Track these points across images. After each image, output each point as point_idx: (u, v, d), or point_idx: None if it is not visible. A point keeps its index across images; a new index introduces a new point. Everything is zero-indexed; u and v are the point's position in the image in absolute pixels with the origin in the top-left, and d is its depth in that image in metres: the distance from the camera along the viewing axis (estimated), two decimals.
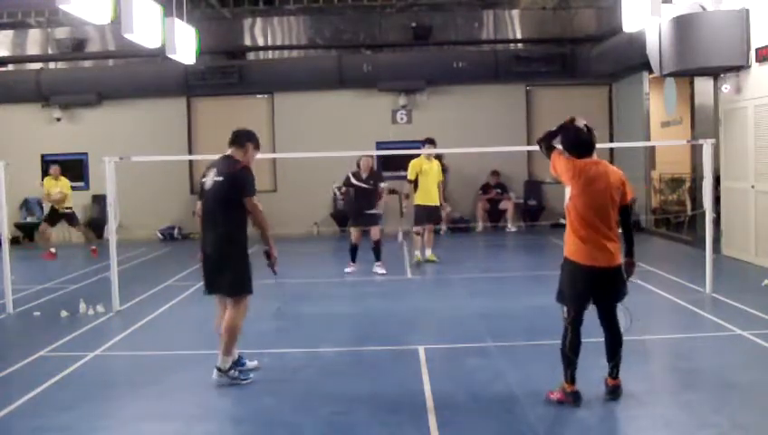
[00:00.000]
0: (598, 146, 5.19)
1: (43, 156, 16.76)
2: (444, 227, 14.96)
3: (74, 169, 16.86)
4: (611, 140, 15.84)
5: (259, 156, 6.03)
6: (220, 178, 5.70)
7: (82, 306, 8.52)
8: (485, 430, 4.77)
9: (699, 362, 6.12)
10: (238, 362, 5.92)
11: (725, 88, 11.06)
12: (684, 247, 12.80)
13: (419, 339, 7.03)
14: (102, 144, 14.91)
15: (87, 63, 17.40)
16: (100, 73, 17.06)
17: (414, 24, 16.82)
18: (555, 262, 5.29)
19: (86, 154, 16.89)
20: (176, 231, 16.44)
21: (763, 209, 10.28)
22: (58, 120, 16.99)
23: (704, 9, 10.84)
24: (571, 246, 5.06)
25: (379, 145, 16.09)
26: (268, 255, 5.83)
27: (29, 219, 16.52)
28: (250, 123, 6.14)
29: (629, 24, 10.11)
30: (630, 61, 13.79)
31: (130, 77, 16.70)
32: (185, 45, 10.68)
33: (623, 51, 13.84)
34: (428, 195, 11.30)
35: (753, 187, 10.47)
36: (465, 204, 16.60)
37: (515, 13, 17.10)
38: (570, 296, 5.04)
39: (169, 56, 10.48)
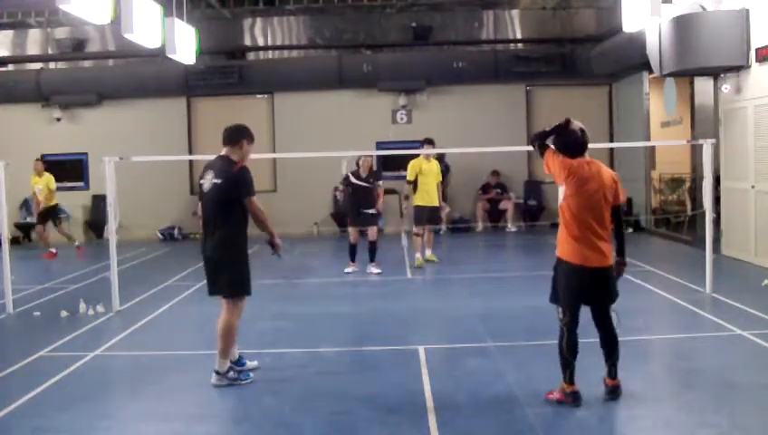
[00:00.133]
0: (598, 146, 5.23)
1: (43, 156, 16.73)
2: (444, 227, 14.96)
3: (74, 169, 16.95)
4: (611, 140, 15.87)
5: (259, 156, 6.02)
6: (218, 181, 5.64)
7: (82, 306, 8.53)
8: (485, 431, 4.77)
9: (699, 362, 6.12)
10: (238, 362, 5.93)
11: (725, 88, 11.06)
12: (684, 247, 12.80)
13: (419, 339, 7.03)
14: (102, 144, 14.92)
15: (87, 63, 17.41)
16: (100, 73, 17.07)
17: (414, 24, 16.82)
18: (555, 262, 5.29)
19: (86, 154, 16.90)
20: (176, 231, 16.45)
21: (763, 209, 10.27)
22: (58, 120, 17.00)
23: (704, 9, 10.83)
24: (564, 245, 5.08)
25: (379, 145, 16.08)
26: (272, 244, 5.81)
27: (29, 219, 16.46)
28: (250, 123, 6.09)
29: (629, 24, 10.12)
30: (630, 61, 13.78)
31: (130, 77, 16.70)
32: (185, 45, 10.68)
33: (623, 51, 13.83)
34: (428, 195, 11.29)
35: (753, 187, 10.47)
36: (465, 204, 16.62)
37: (515, 13, 17.11)
38: (564, 297, 5.06)
39: (169, 56, 10.48)
